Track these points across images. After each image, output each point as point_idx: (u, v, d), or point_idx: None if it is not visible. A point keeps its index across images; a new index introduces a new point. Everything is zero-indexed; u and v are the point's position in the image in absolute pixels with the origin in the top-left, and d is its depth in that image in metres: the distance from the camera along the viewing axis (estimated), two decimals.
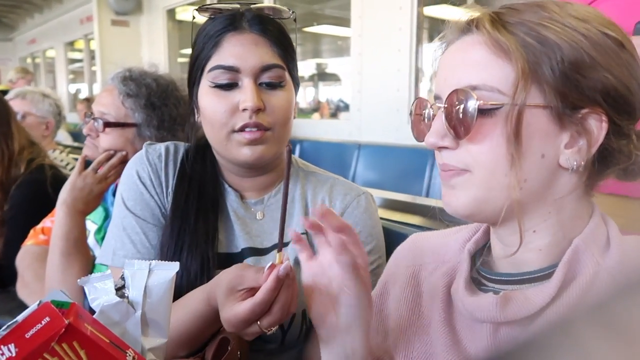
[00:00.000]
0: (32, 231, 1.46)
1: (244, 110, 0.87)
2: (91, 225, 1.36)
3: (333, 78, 8.54)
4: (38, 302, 0.53)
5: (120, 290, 0.60)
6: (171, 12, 6.43)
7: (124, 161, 1.29)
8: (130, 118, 1.31)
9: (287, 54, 0.93)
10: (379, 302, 0.81)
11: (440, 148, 0.63)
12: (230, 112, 0.89)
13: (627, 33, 0.61)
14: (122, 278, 0.61)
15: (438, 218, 1.28)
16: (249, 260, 0.94)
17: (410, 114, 0.69)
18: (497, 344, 0.64)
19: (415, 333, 0.73)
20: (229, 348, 0.77)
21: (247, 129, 0.88)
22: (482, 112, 0.58)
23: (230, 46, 0.90)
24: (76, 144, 3.61)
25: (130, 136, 1.31)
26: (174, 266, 0.63)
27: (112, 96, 1.31)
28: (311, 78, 9.22)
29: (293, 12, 0.98)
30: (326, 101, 8.05)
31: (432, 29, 3.72)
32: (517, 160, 0.57)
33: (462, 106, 0.58)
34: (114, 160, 1.29)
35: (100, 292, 0.59)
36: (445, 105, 0.60)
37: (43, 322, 0.51)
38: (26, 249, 1.42)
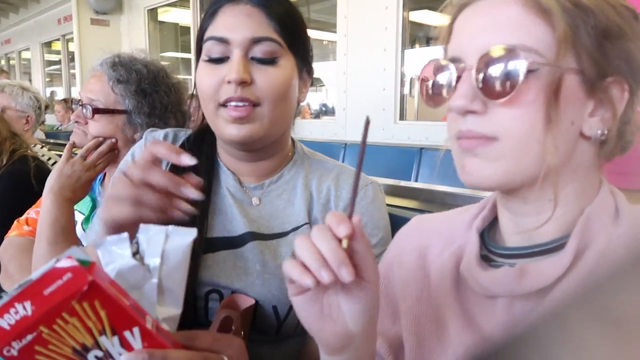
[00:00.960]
0: (15, 222, 1.41)
1: (229, 82, 0.84)
2: (79, 215, 1.32)
3: (316, 82, 8.56)
4: (55, 259, 0.49)
5: (134, 255, 0.56)
6: (153, 12, 6.35)
7: (112, 149, 1.27)
8: (120, 104, 1.28)
9: (288, 30, 0.89)
10: (384, 286, 0.79)
11: (467, 113, 0.59)
12: (218, 85, 0.86)
13: None
14: (136, 243, 0.57)
15: (437, 202, 1.27)
16: (252, 245, 0.90)
17: (418, 79, 0.66)
18: (512, 318, 0.63)
19: (426, 314, 0.71)
20: (233, 328, 0.74)
21: (232, 103, 0.85)
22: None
23: (224, 17, 0.87)
24: (52, 141, 3.51)
25: (120, 123, 1.28)
26: (192, 232, 0.59)
27: (101, 82, 1.27)
28: None
29: None
30: (306, 104, 8.06)
31: (414, 33, 3.77)
32: (554, 125, 0.56)
33: (503, 66, 0.55)
34: (102, 148, 1.26)
35: (115, 256, 0.56)
36: (477, 66, 0.57)
37: (64, 279, 0.47)
38: (10, 240, 1.37)
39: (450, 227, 0.76)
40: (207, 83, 0.87)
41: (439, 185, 1.40)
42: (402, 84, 3.55)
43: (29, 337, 0.47)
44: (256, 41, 0.85)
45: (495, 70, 0.56)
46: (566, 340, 0.21)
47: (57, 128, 6.05)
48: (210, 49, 0.87)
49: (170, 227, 0.59)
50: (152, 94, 1.29)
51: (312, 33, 0.97)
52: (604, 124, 0.59)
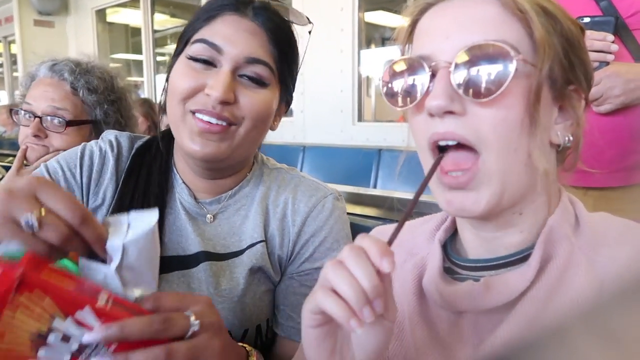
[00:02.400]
0: None
1: (209, 95, 0.78)
2: None
3: None
4: None
5: None
6: (101, 13, 6.14)
7: None
8: (86, 114, 1.22)
9: (283, 60, 0.83)
10: None
11: (446, 114, 0.55)
12: (194, 90, 0.78)
13: None
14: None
15: (396, 209, 1.25)
16: (205, 265, 0.85)
17: (383, 79, 0.62)
18: (477, 333, 0.61)
19: None
20: None
21: (204, 117, 0.78)
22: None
23: (223, 26, 0.80)
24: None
25: (86, 134, 1.22)
26: (154, 214, 0.58)
27: (62, 91, 1.20)
28: None
29: (311, 23, 0.88)
30: None
31: (369, 34, 3.79)
32: (536, 128, 0.55)
33: (490, 63, 0.53)
34: None
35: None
36: (457, 63, 0.54)
37: None
38: None
39: (412, 237, 0.74)
40: (183, 85, 0.79)
41: (399, 191, 1.39)
42: (360, 85, 3.56)
43: None
44: (251, 61, 0.79)
45: (480, 68, 0.53)
46: (567, 358, 0.21)
47: (1, 135, 5.73)
48: (198, 50, 0.79)
49: (133, 214, 0.59)
50: (117, 101, 1.25)
51: None
52: (567, 131, 0.59)
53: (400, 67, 0.59)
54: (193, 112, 0.79)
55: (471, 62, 0.53)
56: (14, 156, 1.26)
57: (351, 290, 0.46)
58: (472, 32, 0.55)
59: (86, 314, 0.51)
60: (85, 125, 1.22)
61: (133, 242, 0.56)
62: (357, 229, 1.00)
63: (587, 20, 1.18)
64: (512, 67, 0.52)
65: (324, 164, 3.30)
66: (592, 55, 1.16)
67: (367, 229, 0.83)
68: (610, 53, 1.18)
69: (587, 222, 0.61)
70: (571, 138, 0.59)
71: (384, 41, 5.58)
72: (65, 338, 0.51)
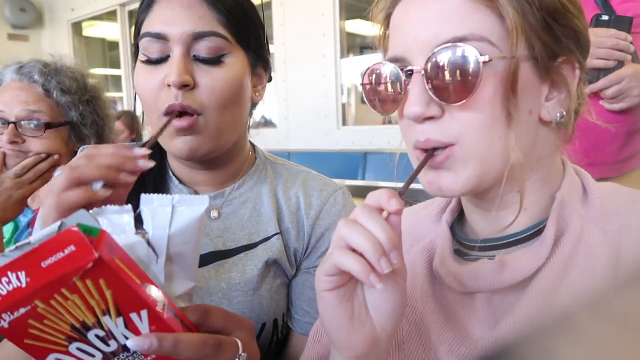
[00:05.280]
0: None
1: (169, 86, 0.73)
2: None
3: None
4: (59, 223, 0.44)
5: (137, 228, 0.49)
6: (77, 27, 6.05)
7: (54, 165, 1.15)
8: (62, 116, 1.17)
9: (236, 22, 0.77)
10: None
11: (425, 119, 0.54)
12: (158, 89, 0.75)
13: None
14: (139, 215, 0.50)
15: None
16: (213, 266, 0.82)
17: (363, 84, 0.60)
18: (492, 312, 0.59)
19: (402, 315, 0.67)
20: None
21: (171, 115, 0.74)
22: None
23: (161, 9, 0.75)
24: None
25: (65, 136, 1.18)
26: (203, 200, 0.52)
27: (35, 93, 1.14)
28: None
29: None
30: None
31: (348, 42, 3.81)
32: (515, 119, 0.53)
33: (459, 63, 0.51)
34: (43, 165, 1.14)
35: (117, 228, 0.48)
36: (428, 67, 0.52)
37: (66, 252, 0.40)
38: None
39: (416, 222, 0.73)
40: (146, 87, 0.75)
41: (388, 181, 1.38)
42: (342, 89, 3.56)
43: (22, 311, 0.41)
44: (198, 37, 0.74)
45: (449, 71, 0.51)
46: (574, 338, 0.21)
47: None
48: (147, 47, 0.75)
49: (177, 197, 0.51)
50: (92, 101, 1.21)
51: None
52: (561, 105, 0.57)
53: (379, 71, 0.58)
54: (165, 114, 0.75)
55: (441, 66, 0.52)
56: None
57: (367, 243, 0.47)
58: (439, 28, 0.53)
59: (141, 317, 0.45)
60: (63, 127, 1.18)
61: (181, 224, 0.51)
62: None
63: (605, 18, 1.21)
64: (479, 69, 0.50)
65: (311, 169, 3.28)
66: (615, 54, 1.20)
67: None
68: (629, 53, 1.21)
69: (595, 193, 0.60)
70: (564, 113, 0.57)
71: (362, 50, 5.61)
72: (106, 338, 0.46)
